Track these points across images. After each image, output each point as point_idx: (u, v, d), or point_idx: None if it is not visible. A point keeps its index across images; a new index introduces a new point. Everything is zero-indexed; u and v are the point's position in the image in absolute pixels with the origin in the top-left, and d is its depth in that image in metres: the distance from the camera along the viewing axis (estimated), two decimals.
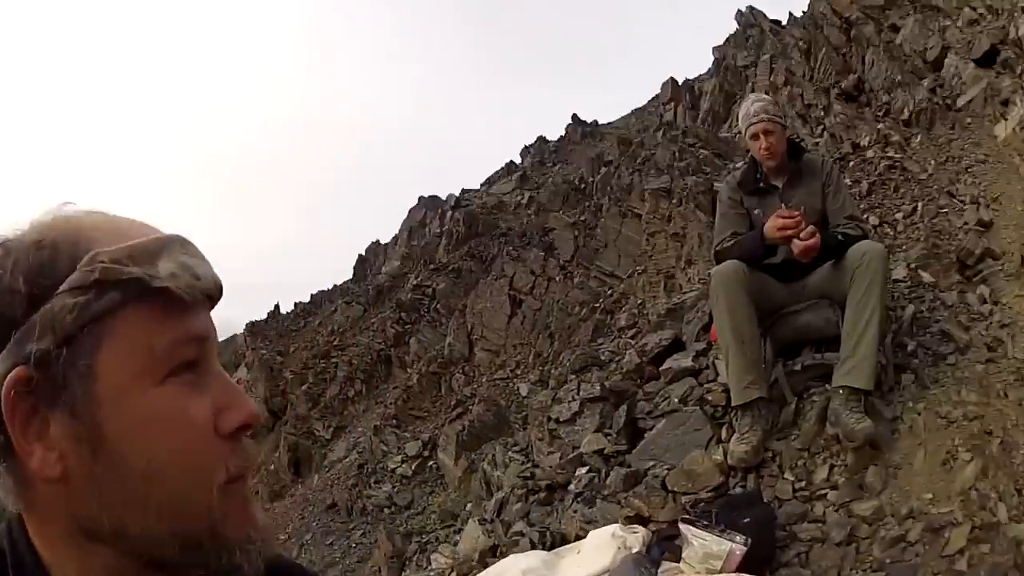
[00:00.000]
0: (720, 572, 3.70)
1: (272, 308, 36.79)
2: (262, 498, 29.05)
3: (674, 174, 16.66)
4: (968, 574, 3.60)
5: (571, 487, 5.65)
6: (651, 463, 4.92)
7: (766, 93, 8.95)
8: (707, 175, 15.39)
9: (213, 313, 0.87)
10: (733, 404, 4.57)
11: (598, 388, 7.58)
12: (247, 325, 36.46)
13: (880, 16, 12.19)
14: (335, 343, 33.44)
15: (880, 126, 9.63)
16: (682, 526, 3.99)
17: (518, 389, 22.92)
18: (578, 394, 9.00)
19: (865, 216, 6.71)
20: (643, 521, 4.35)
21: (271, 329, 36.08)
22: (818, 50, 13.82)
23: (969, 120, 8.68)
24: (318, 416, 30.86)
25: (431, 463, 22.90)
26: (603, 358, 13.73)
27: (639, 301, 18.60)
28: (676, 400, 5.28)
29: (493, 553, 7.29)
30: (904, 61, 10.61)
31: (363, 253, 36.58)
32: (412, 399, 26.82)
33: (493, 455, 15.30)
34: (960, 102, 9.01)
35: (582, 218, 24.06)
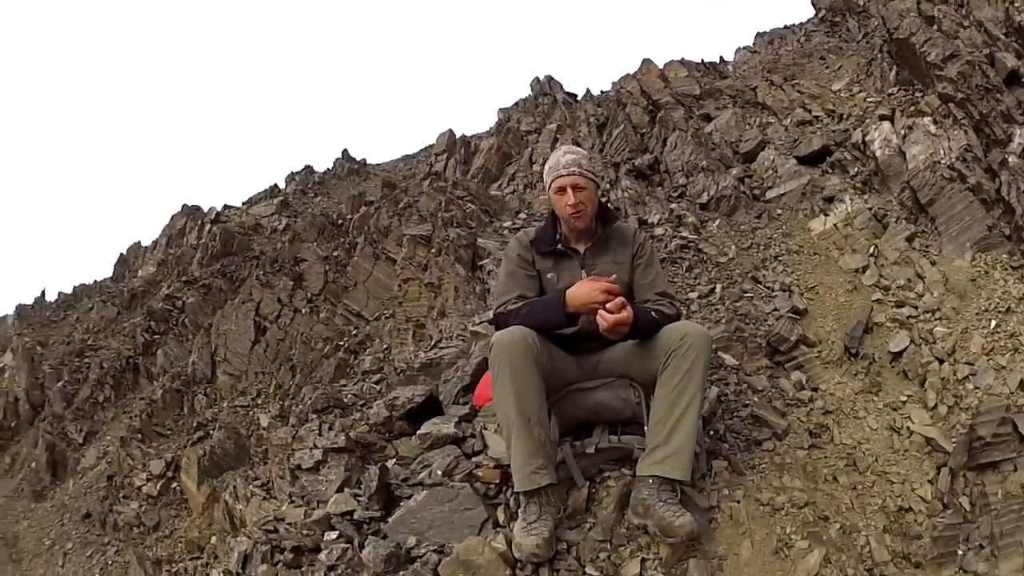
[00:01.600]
0: None
1: (39, 293, 35.37)
2: (27, 497, 27.68)
3: (437, 223, 16.87)
4: None
5: (322, 556, 4.81)
6: (412, 540, 4.27)
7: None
8: (471, 229, 15.52)
9: None
10: (517, 490, 3.95)
11: (343, 438, 6.94)
12: (17, 307, 35.20)
13: (693, 104, 12.88)
14: (89, 342, 32.20)
15: (673, 206, 9.84)
16: None
17: (258, 419, 22.20)
18: (320, 436, 8.40)
19: None
20: None
21: (36, 316, 34.80)
22: (615, 127, 14.50)
23: (780, 212, 9.07)
24: (72, 417, 30.20)
25: (175, 485, 22.33)
26: (346, 400, 14.09)
27: (385, 346, 18.56)
28: (439, 472, 4.68)
29: None
30: (712, 148, 11.21)
31: (124, 252, 35.76)
32: (156, 414, 25.86)
33: (235, 487, 14.81)
34: (770, 194, 9.42)
35: (335, 253, 24.18)
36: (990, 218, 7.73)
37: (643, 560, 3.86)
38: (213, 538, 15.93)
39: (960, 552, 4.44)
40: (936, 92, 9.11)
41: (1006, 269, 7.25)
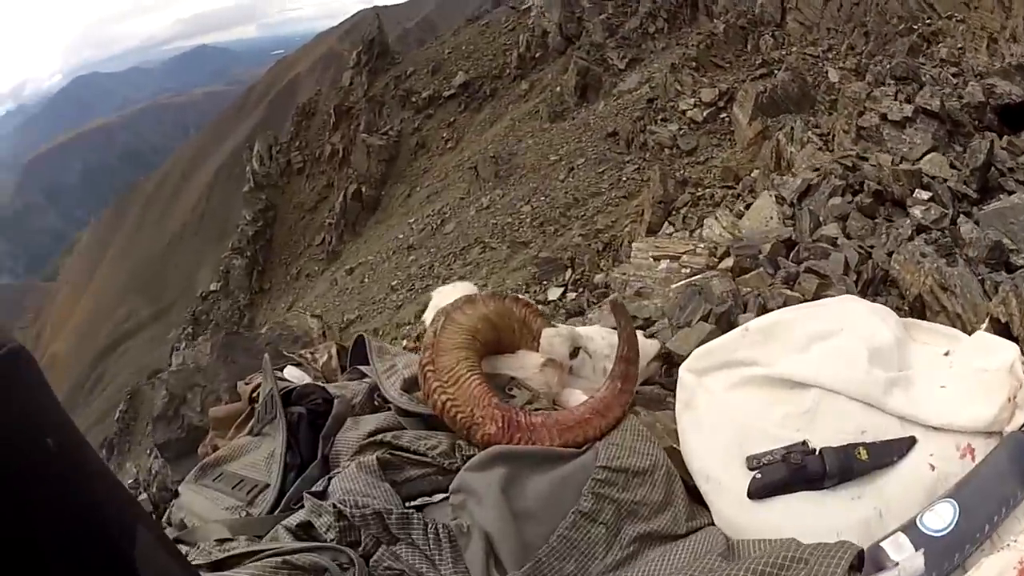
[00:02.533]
0: None
1: None
2: (542, 118, 30.48)
3: None
4: None
5: (914, 211, 4.59)
6: (1007, 241, 3.99)
7: None
8: None
9: None
10: None
11: (937, 102, 6.59)
12: None
13: None
14: None
15: None
16: None
17: (827, 73, 22.08)
18: (894, 102, 7.97)
19: None
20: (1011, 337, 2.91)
21: None
22: None
23: None
24: (614, 45, 31.15)
25: (723, 116, 22.89)
26: (923, 78, 13.16)
27: (959, 46, 17.75)
28: None
29: (788, 249, 6.51)
30: None
31: None
32: (715, 47, 26.41)
33: (792, 128, 14.87)
34: None
35: None
36: None
37: None
38: (754, 172, 16.32)
39: None
40: None
41: None
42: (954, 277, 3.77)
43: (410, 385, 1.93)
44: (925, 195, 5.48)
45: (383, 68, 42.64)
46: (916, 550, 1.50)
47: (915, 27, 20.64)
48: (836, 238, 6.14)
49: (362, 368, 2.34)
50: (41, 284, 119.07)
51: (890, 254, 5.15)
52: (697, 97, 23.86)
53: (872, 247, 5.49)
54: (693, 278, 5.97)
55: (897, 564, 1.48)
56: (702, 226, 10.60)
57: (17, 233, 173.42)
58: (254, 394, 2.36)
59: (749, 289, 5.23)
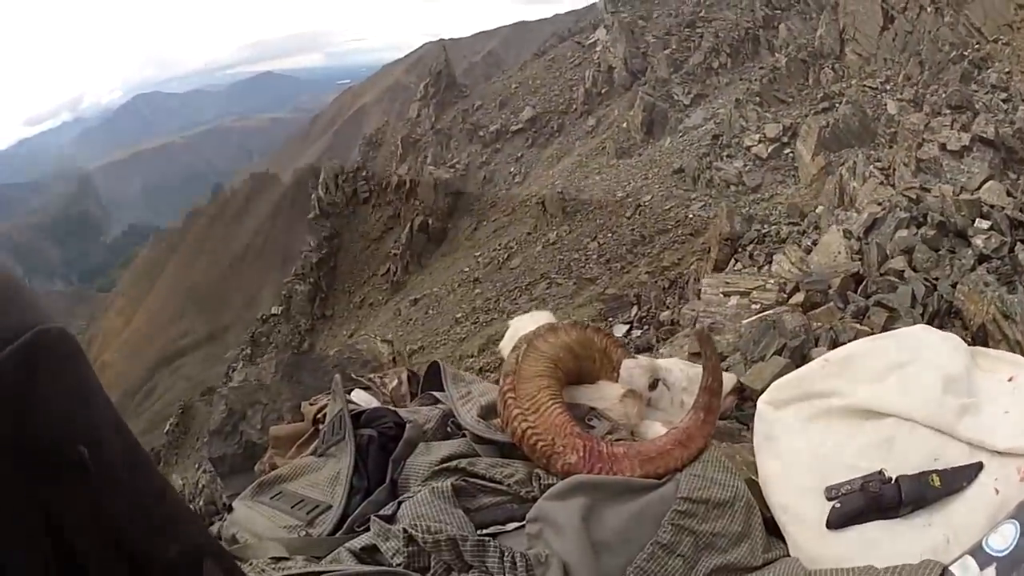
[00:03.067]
0: None
1: None
2: (608, 154, 30.75)
3: None
4: None
5: (974, 241, 4.91)
6: None
7: None
8: None
9: None
10: None
11: (992, 130, 6.66)
12: None
13: None
14: (701, 14, 33.65)
15: None
16: None
17: (885, 105, 22.23)
18: (951, 131, 8.01)
19: None
20: None
21: None
22: None
23: None
24: (679, 81, 31.55)
25: (787, 151, 23.06)
26: (976, 106, 13.35)
27: (1007, 69, 18.08)
28: None
29: (856, 283, 6.67)
30: None
31: None
32: (778, 81, 26.56)
33: (854, 163, 15.03)
34: None
35: None
36: None
37: None
38: (819, 207, 16.43)
39: None
40: None
41: None
42: (1015, 304, 3.93)
43: (486, 412, 1.91)
44: (985, 224, 5.64)
45: (451, 101, 43.24)
46: (981, 570, 1.56)
47: (966, 53, 20.83)
48: (903, 271, 6.29)
49: (435, 394, 2.29)
50: (95, 294, 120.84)
51: (954, 285, 5.25)
52: (762, 132, 23.96)
53: (937, 279, 5.66)
54: (764, 313, 6.05)
55: None
56: (771, 262, 10.71)
57: (73, 242, 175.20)
58: (319, 415, 2.35)
59: (820, 324, 5.36)
